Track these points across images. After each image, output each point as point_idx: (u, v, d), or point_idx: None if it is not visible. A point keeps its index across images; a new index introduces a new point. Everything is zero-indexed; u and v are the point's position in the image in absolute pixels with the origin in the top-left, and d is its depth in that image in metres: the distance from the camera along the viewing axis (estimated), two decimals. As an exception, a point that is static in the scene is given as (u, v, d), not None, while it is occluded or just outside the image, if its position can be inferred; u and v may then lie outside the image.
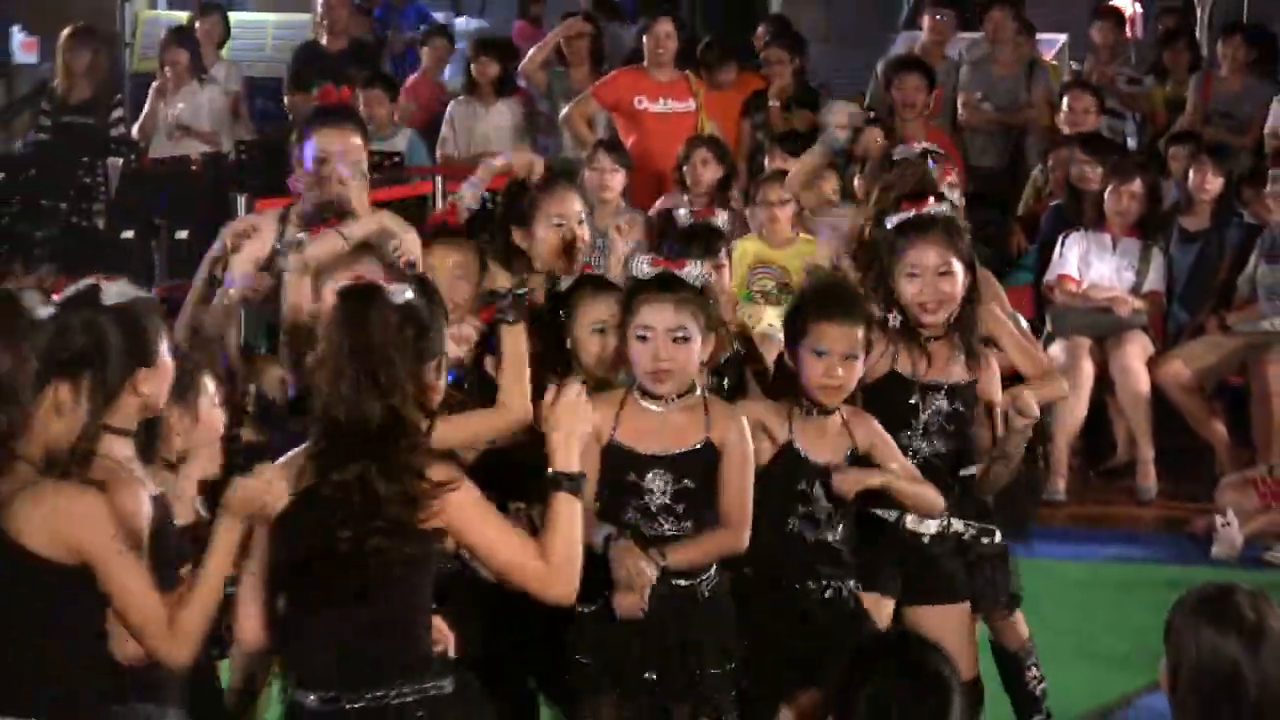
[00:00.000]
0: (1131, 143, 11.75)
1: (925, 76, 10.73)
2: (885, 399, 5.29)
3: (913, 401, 5.35)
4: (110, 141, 12.43)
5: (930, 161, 6.02)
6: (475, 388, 5.29)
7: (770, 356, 6.41)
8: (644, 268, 4.93)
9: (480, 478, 4.23)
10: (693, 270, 4.94)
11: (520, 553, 4.09)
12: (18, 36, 14.72)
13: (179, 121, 12.21)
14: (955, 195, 5.91)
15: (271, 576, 4.09)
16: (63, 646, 3.93)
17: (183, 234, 11.90)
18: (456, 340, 5.12)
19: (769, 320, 6.63)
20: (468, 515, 4.07)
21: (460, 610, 4.52)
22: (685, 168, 9.28)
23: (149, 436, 4.24)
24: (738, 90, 11.11)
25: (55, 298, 4.12)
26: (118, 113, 12.66)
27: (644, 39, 10.90)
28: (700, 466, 4.87)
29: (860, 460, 5.15)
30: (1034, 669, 6.08)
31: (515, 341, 5.03)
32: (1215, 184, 9.94)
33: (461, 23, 17.17)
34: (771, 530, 5.08)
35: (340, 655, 4.05)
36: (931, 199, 5.47)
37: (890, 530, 5.32)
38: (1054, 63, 12.49)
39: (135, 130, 12.46)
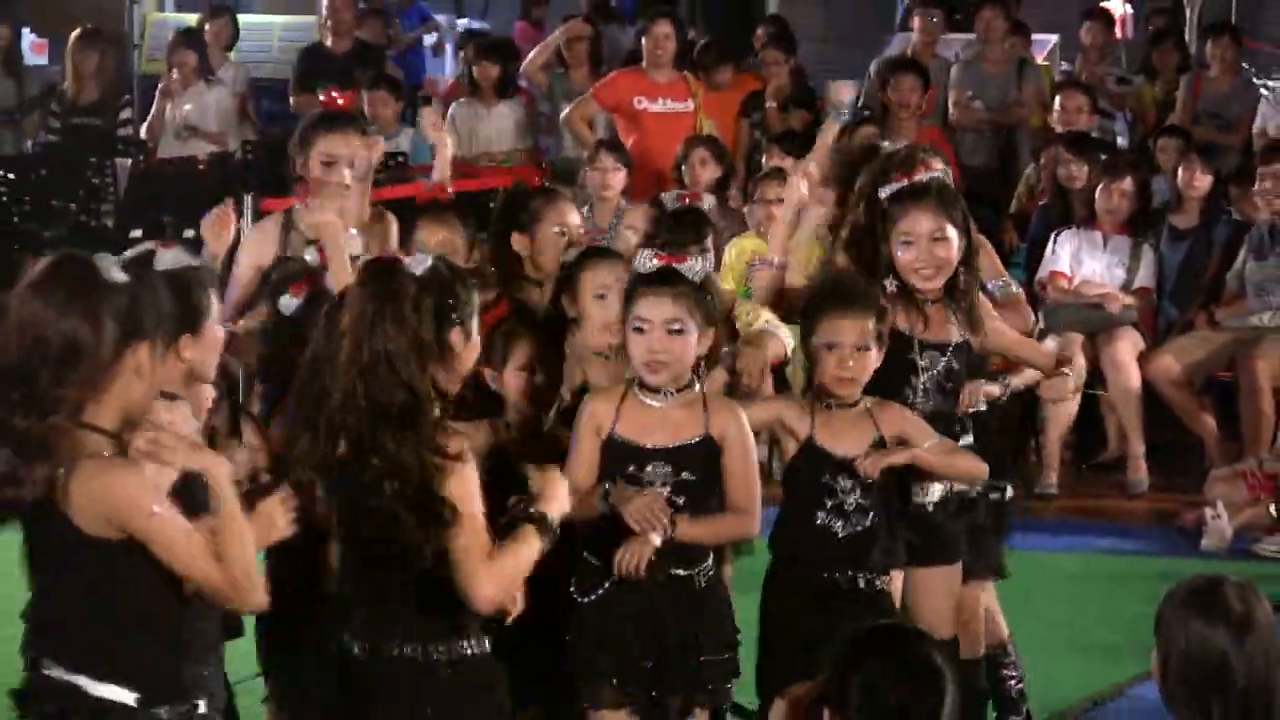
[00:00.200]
0: (1122, 141, 11.75)
1: (920, 77, 10.83)
2: (886, 356, 5.21)
3: (911, 357, 5.33)
4: (119, 142, 12.48)
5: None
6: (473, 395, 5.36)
7: (770, 352, 6.54)
8: (647, 263, 4.95)
9: (480, 478, 4.26)
10: (694, 266, 4.95)
11: (479, 541, 4.13)
12: (27, 38, 14.66)
13: (186, 122, 12.24)
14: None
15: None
16: (123, 616, 3.92)
17: (190, 233, 11.95)
18: None
19: (766, 317, 6.71)
20: (466, 490, 4.15)
21: None
22: (684, 167, 9.33)
23: None
24: (735, 90, 11.14)
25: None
26: (126, 114, 12.76)
27: (643, 40, 10.96)
28: (701, 460, 4.88)
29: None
30: (1012, 669, 6.06)
31: None
32: (1204, 182, 9.96)
33: (463, 24, 17.25)
34: (801, 526, 5.13)
35: (385, 612, 4.24)
36: (923, 166, 5.44)
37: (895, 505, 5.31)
38: (1045, 63, 12.47)
39: (143, 131, 12.50)
